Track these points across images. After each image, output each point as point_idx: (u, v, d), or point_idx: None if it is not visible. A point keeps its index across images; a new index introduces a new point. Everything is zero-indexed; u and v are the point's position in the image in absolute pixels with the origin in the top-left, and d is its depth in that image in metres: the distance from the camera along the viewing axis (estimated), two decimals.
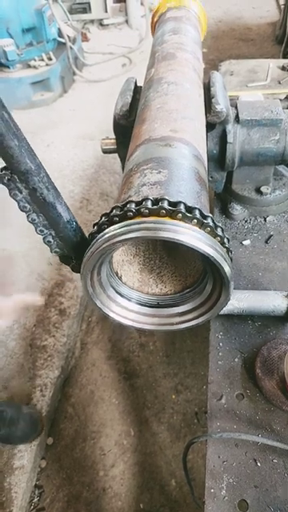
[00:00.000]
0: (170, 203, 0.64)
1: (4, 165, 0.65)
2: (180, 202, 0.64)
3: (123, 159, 1.46)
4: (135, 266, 0.89)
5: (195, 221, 0.63)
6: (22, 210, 0.69)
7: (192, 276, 0.87)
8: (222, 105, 1.21)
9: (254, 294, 1.05)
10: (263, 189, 1.35)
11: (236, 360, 1.02)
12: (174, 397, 2.26)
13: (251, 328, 1.08)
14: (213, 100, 1.23)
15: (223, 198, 1.44)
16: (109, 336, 2.55)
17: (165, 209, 0.62)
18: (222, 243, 0.68)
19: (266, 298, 1.04)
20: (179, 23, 1.47)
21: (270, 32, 5.54)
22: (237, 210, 1.37)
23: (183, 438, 2.09)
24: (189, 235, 0.63)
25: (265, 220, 1.37)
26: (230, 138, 1.26)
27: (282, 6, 5.18)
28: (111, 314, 0.86)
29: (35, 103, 4.34)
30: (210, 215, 0.66)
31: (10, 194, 0.66)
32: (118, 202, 0.74)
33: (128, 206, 0.65)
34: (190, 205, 0.64)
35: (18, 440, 1.95)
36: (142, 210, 0.63)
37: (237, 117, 1.26)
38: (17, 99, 4.26)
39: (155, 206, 0.63)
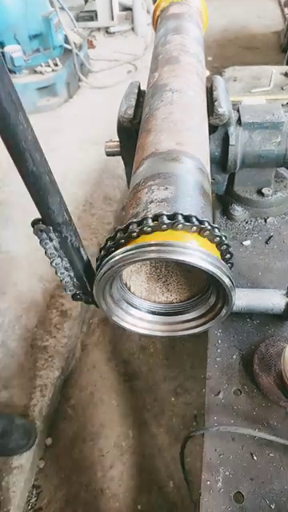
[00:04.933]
0: (169, 217, 0.68)
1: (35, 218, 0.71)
2: (177, 214, 0.68)
3: (127, 162, 1.49)
4: (142, 275, 0.92)
5: (195, 228, 0.66)
6: (48, 256, 0.75)
7: (196, 286, 0.89)
8: (224, 108, 1.23)
9: (253, 292, 1.07)
10: (264, 190, 1.37)
11: (234, 357, 1.03)
12: (173, 399, 2.26)
13: (250, 326, 1.09)
14: (215, 103, 1.25)
15: (224, 200, 1.46)
16: (109, 338, 2.56)
17: (165, 223, 0.66)
18: (227, 251, 0.71)
19: (264, 296, 1.05)
20: (181, 21, 1.50)
21: (274, 41, 5.60)
22: (238, 211, 1.39)
23: (182, 440, 2.09)
24: (193, 256, 0.67)
25: (265, 221, 1.39)
26: (232, 141, 1.28)
27: (287, 16, 5.26)
28: (127, 326, 0.90)
29: (41, 108, 4.39)
30: (195, 216, 0.69)
31: (40, 243, 0.73)
32: (127, 216, 0.79)
33: (131, 227, 0.69)
34: (183, 213, 0.68)
35: (10, 451, 1.92)
36: (145, 228, 0.68)
37: (239, 119, 1.29)
38: (23, 104, 4.31)
39: (156, 222, 0.67)
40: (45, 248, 0.74)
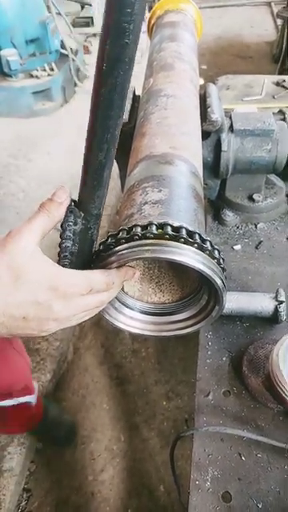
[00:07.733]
0: (173, 228, 0.68)
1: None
2: (182, 228, 0.68)
3: (121, 165, 1.50)
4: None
5: (192, 242, 0.68)
6: (63, 237, 0.73)
7: (189, 286, 0.91)
8: (217, 114, 1.26)
9: (243, 295, 1.09)
10: (255, 196, 1.40)
11: (224, 359, 1.05)
12: (164, 403, 2.27)
13: (239, 328, 1.11)
14: (208, 110, 1.28)
15: (216, 205, 1.48)
16: (101, 341, 2.56)
17: (168, 234, 0.67)
18: (213, 258, 0.72)
19: (254, 300, 1.07)
20: (177, 29, 1.53)
21: (267, 50, 5.68)
22: (229, 216, 1.41)
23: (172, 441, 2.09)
24: (187, 256, 0.68)
25: (256, 226, 1.41)
26: (224, 147, 1.30)
27: (280, 27, 5.34)
28: (119, 325, 0.90)
29: (36, 112, 4.41)
30: (198, 232, 0.69)
31: (63, 223, 0.72)
32: (121, 217, 0.80)
33: (134, 229, 0.69)
34: (188, 228, 0.69)
35: (49, 440, 2.12)
36: (148, 234, 0.68)
37: (231, 126, 1.31)
38: (18, 108, 4.33)
39: (160, 231, 0.67)
40: (65, 229, 0.72)
